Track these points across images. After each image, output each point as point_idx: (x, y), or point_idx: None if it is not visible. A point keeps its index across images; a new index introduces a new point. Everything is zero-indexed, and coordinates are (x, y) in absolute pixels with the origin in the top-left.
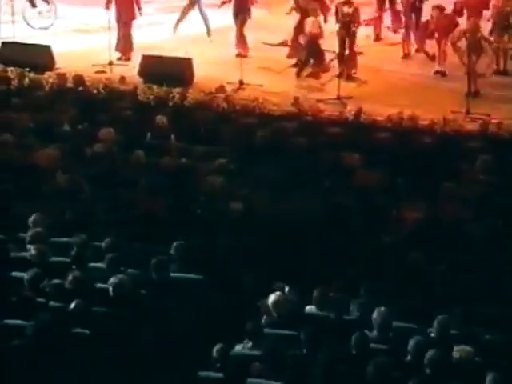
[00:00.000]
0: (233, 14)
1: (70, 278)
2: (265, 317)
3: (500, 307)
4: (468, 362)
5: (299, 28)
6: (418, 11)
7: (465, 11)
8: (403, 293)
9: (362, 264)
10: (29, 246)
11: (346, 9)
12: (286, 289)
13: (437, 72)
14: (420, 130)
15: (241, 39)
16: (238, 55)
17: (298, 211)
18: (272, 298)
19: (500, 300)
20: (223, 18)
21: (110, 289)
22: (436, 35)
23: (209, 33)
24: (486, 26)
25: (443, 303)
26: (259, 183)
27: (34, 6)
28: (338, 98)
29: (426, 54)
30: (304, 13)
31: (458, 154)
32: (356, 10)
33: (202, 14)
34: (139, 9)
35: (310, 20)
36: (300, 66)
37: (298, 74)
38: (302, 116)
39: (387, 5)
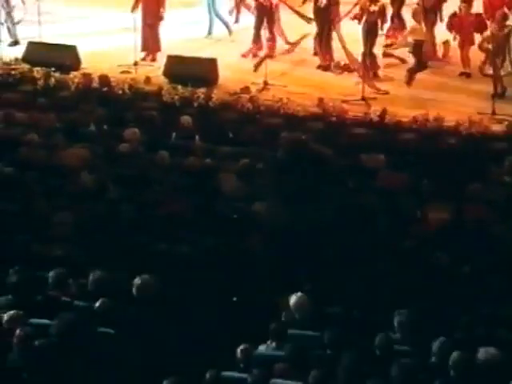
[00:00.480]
0: None
1: (92, 277)
2: (284, 314)
3: None
4: (493, 363)
5: None
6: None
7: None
8: (427, 294)
9: (386, 264)
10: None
11: (372, 7)
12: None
13: (462, 73)
14: (445, 131)
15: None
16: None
17: (321, 212)
18: (294, 298)
19: None
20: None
21: (134, 289)
22: (457, 37)
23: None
24: None
25: (468, 304)
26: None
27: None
28: (363, 98)
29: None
30: None
31: (483, 156)
32: (383, 8)
33: (219, 16)
34: (162, 10)
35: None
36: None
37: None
38: (327, 117)
39: None
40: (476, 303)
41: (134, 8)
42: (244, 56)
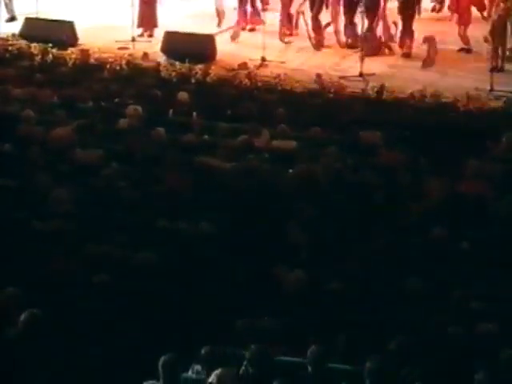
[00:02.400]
0: None
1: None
2: None
3: None
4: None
5: None
6: None
7: None
8: (426, 267)
9: (385, 239)
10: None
11: None
12: None
13: (461, 49)
14: (443, 107)
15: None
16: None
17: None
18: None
19: None
20: None
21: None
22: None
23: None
24: None
25: (465, 279)
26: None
27: None
28: (361, 74)
29: None
30: None
31: (481, 132)
32: None
33: None
34: None
35: None
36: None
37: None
38: (324, 93)
39: None
40: (473, 277)
41: None
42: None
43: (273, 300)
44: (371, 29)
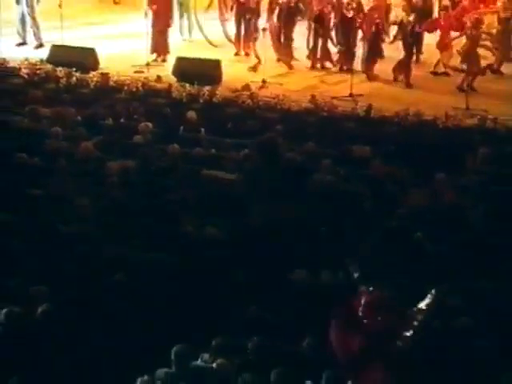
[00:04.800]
0: None
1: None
2: None
3: (494, 280)
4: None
5: None
6: None
7: None
8: (407, 267)
9: (372, 242)
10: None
11: None
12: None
13: (442, 73)
14: (424, 125)
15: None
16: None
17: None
18: None
19: (495, 274)
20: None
21: None
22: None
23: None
24: None
25: (443, 277)
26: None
27: None
28: (351, 95)
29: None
30: None
31: (458, 147)
32: None
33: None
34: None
35: None
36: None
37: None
38: (318, 112)
39: None
40: (451, 276)
41: (147, 11)
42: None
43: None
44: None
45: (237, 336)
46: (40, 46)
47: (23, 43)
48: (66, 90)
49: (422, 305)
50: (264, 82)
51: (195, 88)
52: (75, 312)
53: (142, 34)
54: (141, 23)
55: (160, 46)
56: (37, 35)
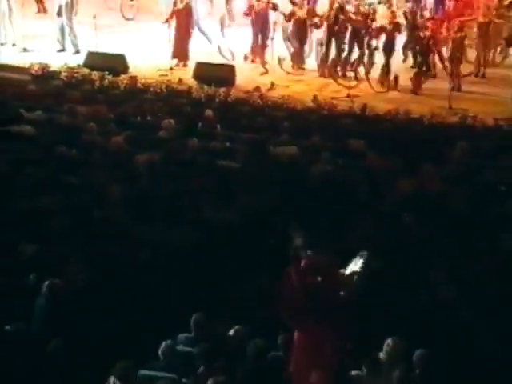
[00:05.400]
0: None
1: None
2: None
3: (475, 260)
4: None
5: None
6: None
7: None
8: (397, 247)
9: (366, 225)
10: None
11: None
12: None
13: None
14: (412, 122)
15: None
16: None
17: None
18: None
19: (474, 254)
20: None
21: None
22: None
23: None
24: None
25: (429, 257)
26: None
27: None
28: (348, 96)
29: None
30: None
31: (441, 141)
32: None
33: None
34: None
35: None
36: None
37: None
38: (320, 110)
39: None
40: (435, 255)
41: (166, 21)
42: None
43: None
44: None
45: (249, 306)
46: (77, 52)
47: (62, 50)
48: (99, 91)
49: (354, 268)
50: (272, 84)
51: (212, 89)
52: (108, 285)
53: (165, 42)
54: (165, 32)
55: (181, 53)
56: (74, 43)
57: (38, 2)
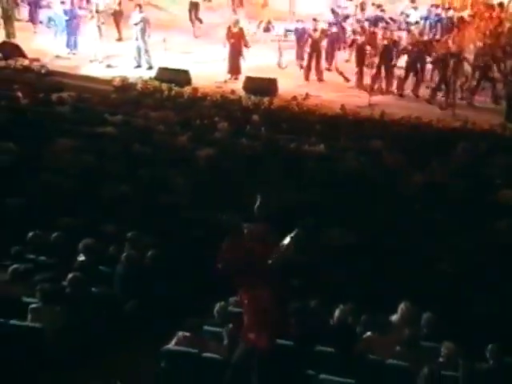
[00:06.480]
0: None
1: None
2: None
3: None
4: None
5: None
6: None
7: None
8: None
9: (383, 207)
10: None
11: None
12: None
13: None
14: (423, 126)
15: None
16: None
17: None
18: None
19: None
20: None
21: None
22: None
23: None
24: None
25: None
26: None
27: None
28: (370, 104)
29: None
30: None
31: (446, 142)
32: None
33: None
34: (246, 46)
35: None
36: None
37: None
38: (346, 116)
39: None
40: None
41: (225, 42)
42: None
43: None
44: None
45: None
46: (150, 68)
47: (138, 66)
48: (167, 99)
49: (286, 240)
50: (307, 94)
51: (258, 98)
52: (172, 256)
53: (221, 60)
54: (221, 52)
55: (235, 68)
56: (148, 61)
57: (118, 31)
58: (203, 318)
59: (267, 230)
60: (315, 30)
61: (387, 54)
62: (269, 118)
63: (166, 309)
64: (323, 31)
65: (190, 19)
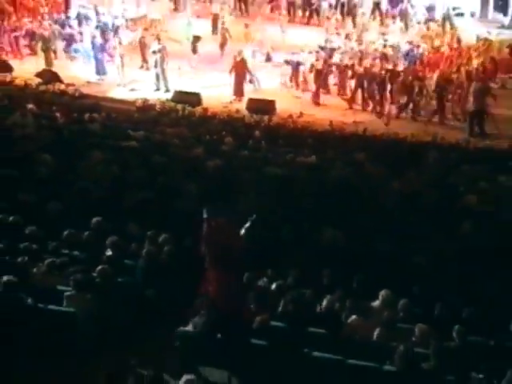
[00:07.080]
0: None
1: None
2: None
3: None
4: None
5: None
6: None
7: None
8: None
9: (365, 210)
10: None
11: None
12: None
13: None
14: (399, 140)
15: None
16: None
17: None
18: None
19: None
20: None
21: None
22: None
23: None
24: None
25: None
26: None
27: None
28: (354, 122)
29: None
30: None
31: (419, 153)
32: None
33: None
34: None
35: None
36: None
37: None
38: (334, 132)
39: None
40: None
41: (230, 72)
42: None
43: None
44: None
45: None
46: (167, 91)
47: (157, 89)
48: (182, 117)
49: (245, 227)
50: (301, 113)
51: (259, 117)
52: (185, 253)
53: (227, 85)
54: (227, 78)
55: (239, 91)
56: (165, 85)
57: (143, 60)
58: None
59: (232, 224)
60: (317, 59)
61: (364, 80)
62: (268, 134)
63: (180, 296)
64: (326, 61)
65: (194, 50)
